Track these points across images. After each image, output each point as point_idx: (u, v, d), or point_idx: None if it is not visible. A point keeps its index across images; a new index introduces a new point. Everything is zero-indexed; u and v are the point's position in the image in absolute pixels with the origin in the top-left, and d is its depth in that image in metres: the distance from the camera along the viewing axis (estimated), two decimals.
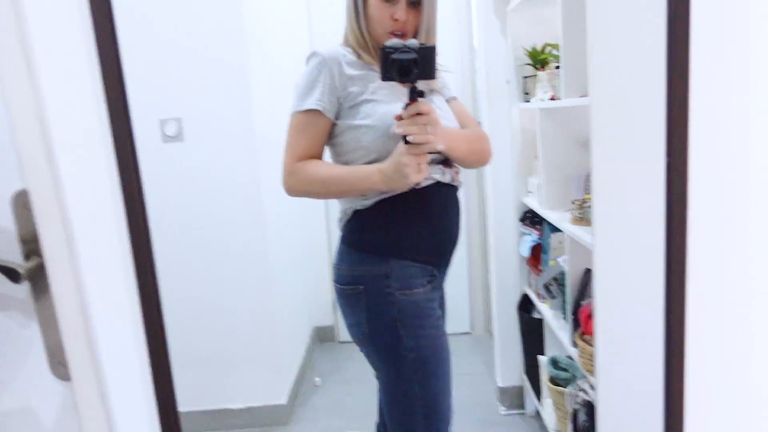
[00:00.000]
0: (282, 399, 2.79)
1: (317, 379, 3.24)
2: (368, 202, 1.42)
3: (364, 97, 1.39)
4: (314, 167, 1.40)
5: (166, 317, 0.84)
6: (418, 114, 1.27)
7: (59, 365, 0.78)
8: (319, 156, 1.44)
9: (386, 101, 1.39)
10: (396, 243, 1.42)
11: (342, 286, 1.46)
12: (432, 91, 1.51)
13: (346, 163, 1.44)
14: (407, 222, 1.42)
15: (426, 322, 1.42)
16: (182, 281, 2.64)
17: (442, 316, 1.57)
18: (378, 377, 1.52)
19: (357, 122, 1.39)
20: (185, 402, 2.68)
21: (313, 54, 1.42)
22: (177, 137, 2.52)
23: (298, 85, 1.43)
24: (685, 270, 0.81)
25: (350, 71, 1.40)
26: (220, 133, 2.53)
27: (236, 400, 2.76)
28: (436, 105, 1.47)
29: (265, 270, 2.67)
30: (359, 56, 1.44)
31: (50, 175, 0.64)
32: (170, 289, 2.59)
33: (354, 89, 1.40)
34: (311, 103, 1.39)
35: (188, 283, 2.65)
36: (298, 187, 1.42)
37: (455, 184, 1.49)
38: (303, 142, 1.41)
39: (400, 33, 1.41)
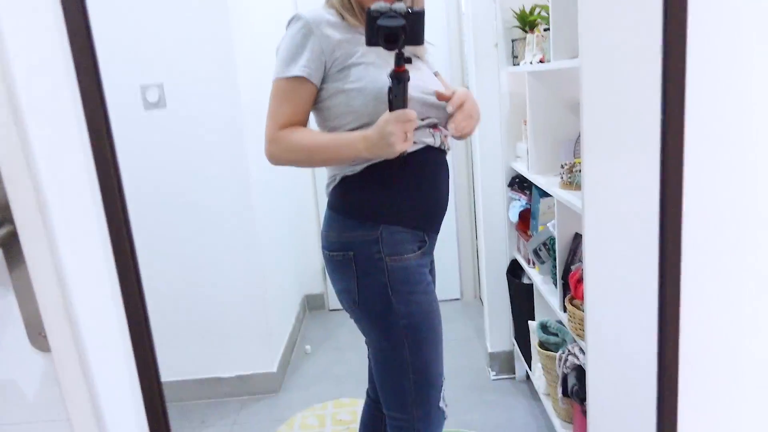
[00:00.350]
0: (272, 367, 2.80)
1: (308, 347, 3.25)
2: (357, 168, 1.39)
3: (353, 60, 1.35)
4: (298, 135, 1.37)
5: (154, 288, 0.82)
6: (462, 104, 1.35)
7: (39, 336, 0.76)
8: (303, 123, 1.40)
9: (376, 64, 1.35)
10: (385, 208, 1.39)
11: (331, 253, 1.44)
12: (416, 56, 1.47)
13: (334, 128, 1.41)
14: (396, 187, 1.40)
15: (417, 288, 1.41)
16: (169, 251, 2.61)
17: (432, 281, 1.56)
18: (368, 344, 1.51)
19: (347, 86, 1.35)
20: (176, 371, 2.69)
21: (296, 17, 1.37)
22: (159, 103, 2.46)
23: (281, 50, 1.38)
24: (680, 232, 0.80)
25: (336, 35, 1.36)
26: (204, 99, 2.48)
27: (227, 368, 2.77)
28: (422, 72, 1.44)
29: (253, 237, 2.65)
30: (343, 18, 1.39)
31: (19, 139, 0.61)
32: (157, 260, 2.57)
33: (340, 53, 1.35)
34: (296, 70, 1.34)
35: (176, 253, 2.62)
36: (280, 155, 1.39)
37: (444, 148, 1.46)
38: (286, 110, 1.37)
39: None
